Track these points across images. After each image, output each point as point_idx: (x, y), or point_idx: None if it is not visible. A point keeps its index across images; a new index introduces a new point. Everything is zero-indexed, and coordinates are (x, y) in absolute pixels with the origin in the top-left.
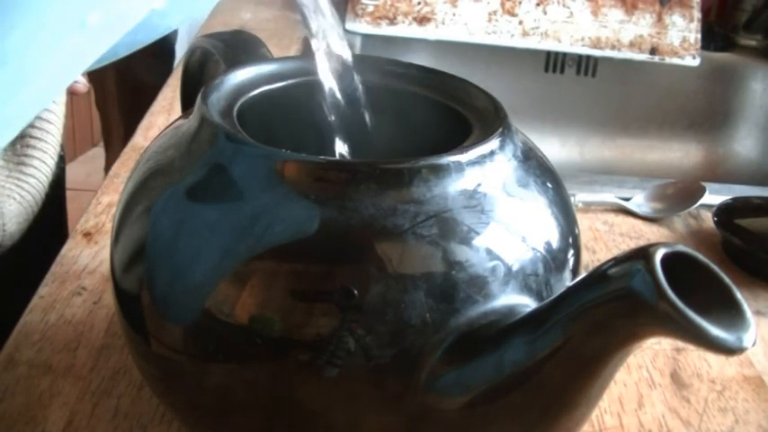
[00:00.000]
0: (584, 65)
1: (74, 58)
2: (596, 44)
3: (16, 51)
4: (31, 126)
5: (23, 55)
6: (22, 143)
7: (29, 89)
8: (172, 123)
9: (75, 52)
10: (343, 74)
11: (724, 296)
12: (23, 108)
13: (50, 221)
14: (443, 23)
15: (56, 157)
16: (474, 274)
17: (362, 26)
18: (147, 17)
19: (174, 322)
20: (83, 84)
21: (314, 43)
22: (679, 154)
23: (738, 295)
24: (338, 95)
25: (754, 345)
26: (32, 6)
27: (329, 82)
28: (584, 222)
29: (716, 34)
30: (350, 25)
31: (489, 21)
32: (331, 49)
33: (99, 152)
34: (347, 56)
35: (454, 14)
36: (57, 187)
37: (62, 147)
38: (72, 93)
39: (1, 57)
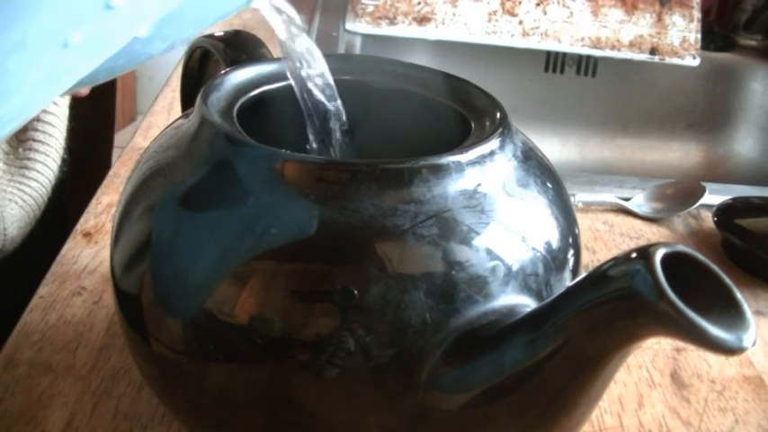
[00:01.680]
0: (584, 65)
1: (53, 78)
2: (596, 44)
3: None
4: (34, 129)
5: (1, 70)
6: (24, 146)
7: (7, 102)
8: (172, 123)
9: (56, 72)
10: (307, 58)
11: (724, 296)
12: (3, 120)
13: (53, 225)
14: (443, 23)
15: (59, 161)
16: (474, 274)
17: (362, 26)
18: (129, 44)
19: (174, 322)
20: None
21: (288, 48)
22: (679, 154)
23: (738, 295)
24: (335, 95)
25: (754, 345)
26: (14, 21)
27: (321, 83)
28: (584, 222)
29: (716, 34)
30: (350, 25)
31: (489, 21)
32: (306, 52)
33: None
34: (321, 57)
35: (454, 14)
36: (60, 191)
37: (65, 150)
38: (74, 96)
39: None
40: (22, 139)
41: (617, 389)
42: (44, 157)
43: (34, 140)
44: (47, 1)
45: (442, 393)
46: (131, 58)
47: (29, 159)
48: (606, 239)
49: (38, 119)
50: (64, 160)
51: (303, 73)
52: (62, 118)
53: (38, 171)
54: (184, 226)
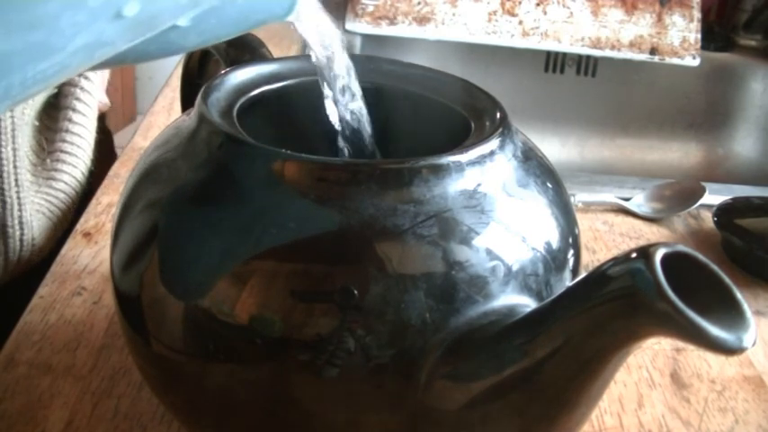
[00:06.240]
0: (584, 65)
1: (94, 47)
2: (596, 44)
3: (49, 19)
4: (62, 141)
5: (55, 25)
6: (52, 158)
7: (48, 60)
8: (172, 123)
9: (99, 40)
10: (342, 75)
11: (724, 296)
12: (37, 77)
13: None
14: (443, 23)
15: (86, 172)
16: (474, 274)
17: (362, 26)
18: (166, 31)
19: (174, 322)
20: (104, 103)
21: (311, 45)
22: (679, 154)
23: (738, 295)
24: (338, 96)
25: (754, 345)
26: None
27: (329, 83)
28: (584, 222)
29: (716, 34)
30: (350, 25)
31: (489, 21)
32: (330, 51)
33: None
34: (346, 57)
35: (454, 14)
36: (86, 201)
37: (92, 161)
38: (99, 109)
39: (34, 20)
40: (50, 150)
41: (617, 389)
42: (71, 169)
43: (62, 152)
44: None
45: (442, 393)
46: (164, 47)
47: (56, 171)
48: (606, 239)
49: (66, 129)
50: (91, 172)
51: (337, 87)
52: (90, 129)
53: (65, 182)
54: (184, 226)
